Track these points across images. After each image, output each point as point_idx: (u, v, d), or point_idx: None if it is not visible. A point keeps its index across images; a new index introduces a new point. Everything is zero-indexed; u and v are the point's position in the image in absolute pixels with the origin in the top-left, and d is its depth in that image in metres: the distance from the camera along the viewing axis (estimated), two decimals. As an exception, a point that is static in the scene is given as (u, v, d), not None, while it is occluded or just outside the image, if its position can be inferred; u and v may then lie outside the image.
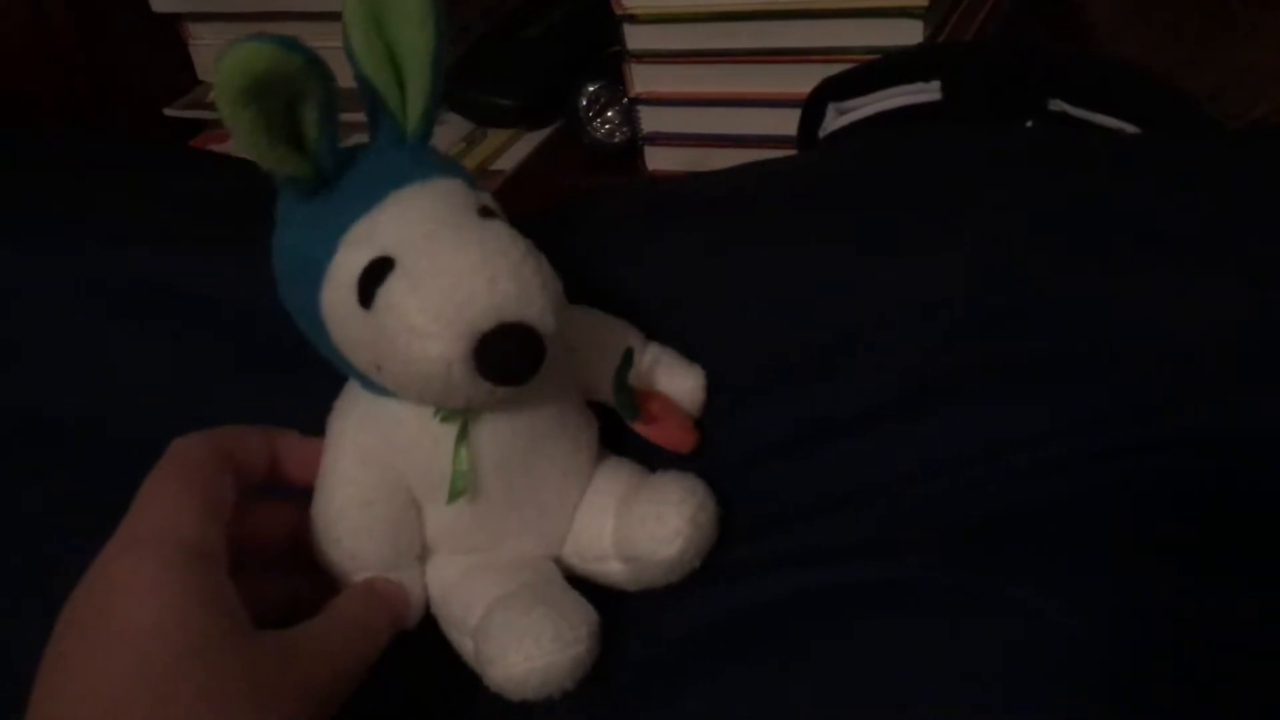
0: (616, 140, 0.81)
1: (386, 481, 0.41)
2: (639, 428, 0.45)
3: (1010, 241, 0.45)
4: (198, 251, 0.52)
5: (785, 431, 0.45)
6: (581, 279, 0.51)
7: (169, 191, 0.58)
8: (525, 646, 0.37)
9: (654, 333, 0.47)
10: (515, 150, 0.84)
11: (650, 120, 0.78)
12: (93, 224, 0.54)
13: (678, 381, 0.46)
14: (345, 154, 0.39)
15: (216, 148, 0.89)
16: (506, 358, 0.36)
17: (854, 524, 0.42)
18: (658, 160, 0.79)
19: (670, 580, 0.42)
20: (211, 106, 0.89)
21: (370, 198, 0.38)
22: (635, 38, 0.74)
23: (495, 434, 0.41)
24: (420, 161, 0.40)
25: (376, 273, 0.37)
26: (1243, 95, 0.69)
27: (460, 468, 0.40)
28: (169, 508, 0.35)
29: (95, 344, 0.50)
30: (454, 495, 0.40)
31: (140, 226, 0.54)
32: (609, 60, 0.77)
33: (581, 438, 0.43)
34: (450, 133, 0.86)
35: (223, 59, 0.34)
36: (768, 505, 0.43)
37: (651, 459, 0.45)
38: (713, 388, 0.46)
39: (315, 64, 0.35)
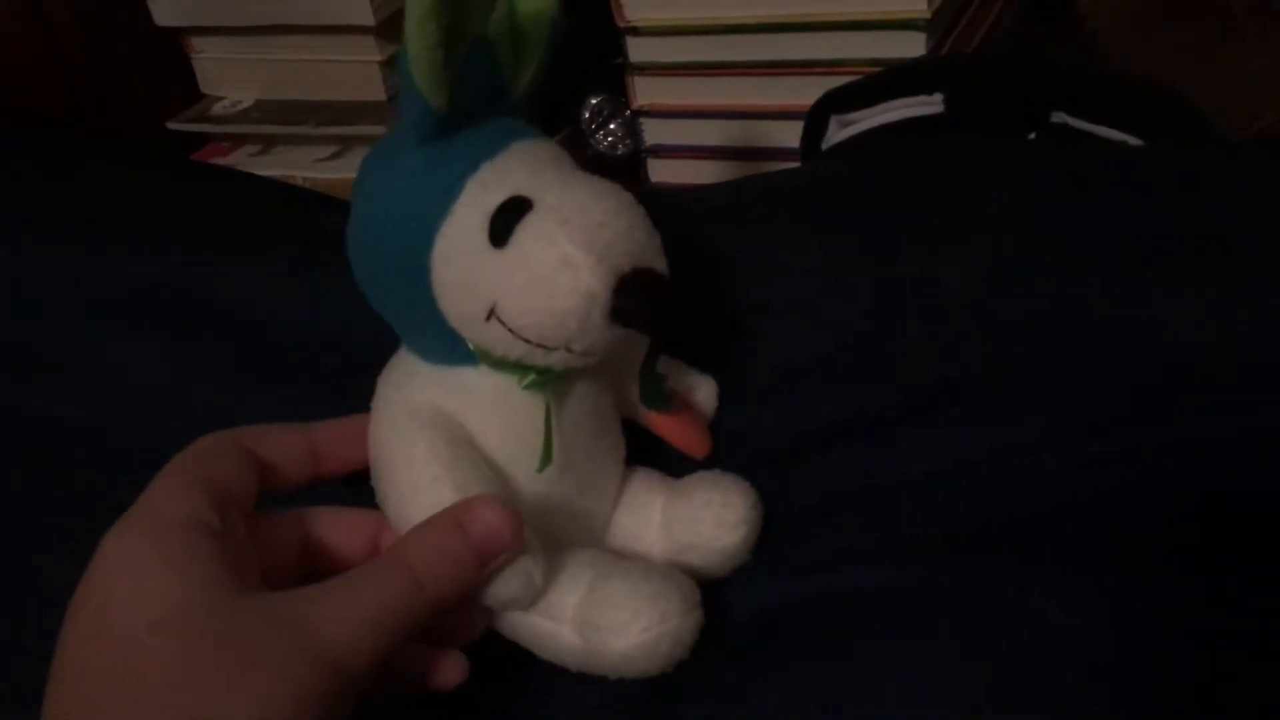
0: (619, 152, 0.81)
1: (464, 448, 0.39)
2: (660, 422, 0.45)
3: (1013, 249, 0.45)
4: (205, 260, 0.52)
5: (791, 437, 0.45)
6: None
7: (175, 200, 0.58)
8: (659, 608, 0.36)
9: (666, 339, 0.47)
10: (519, 162, 0.84)
11: (653, 132, 0.78)
12: (98, 231, 0.54)
13: (691, 386, 0.46)
14: (465, 109, 0.38)
15: (220, 161, 0.89)
16: (646, 301, 0.36)
17: (860, 528, 0.42)
18: (660, 172, 0.79)
19: (720, 573, 0.42)
20: (215, 120, 0.90)
21: (494, 145, 0.38)
22: (638, 50, 0.74)
23: (570, 411, 0.41)
24: (528, 126, 0.40)
25: (513, 210, 0.37)
26: (1247, 106, 0.69)
27: (550, 432, 0.39)
28: (169, 491, 0.35)
29: (101, 352, 0.51)
30: (545, 462, 0.39)
31: (146, 235, 0.54)
32: (612, 73, 0.77)
33: (620, 436, 0.44)
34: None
35: None
36: (774, 510, 0.43)
37: (670, 474, 0.45)
38: (726, 393, 0.47)
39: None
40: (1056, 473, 0.40)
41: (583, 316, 0.36)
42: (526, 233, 0.36)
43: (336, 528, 0.40)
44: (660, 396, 0.43)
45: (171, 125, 0.90)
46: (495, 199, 0.37)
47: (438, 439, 0.39)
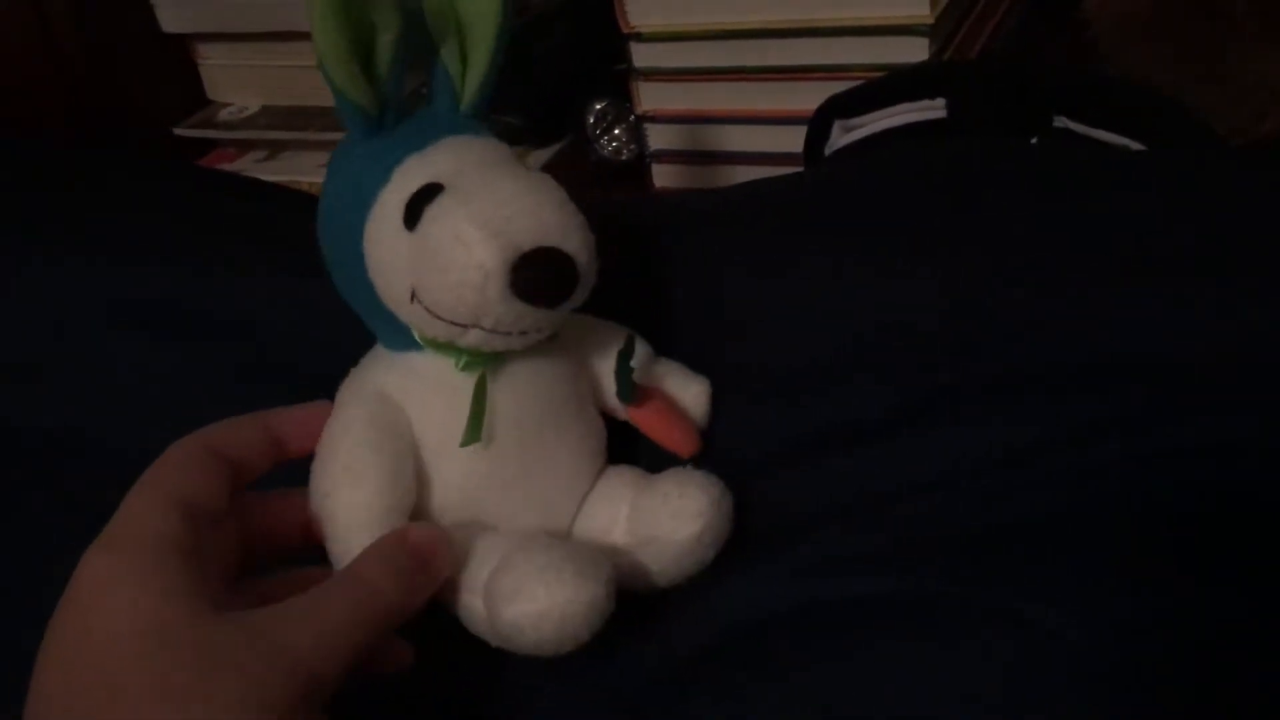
0: (624, 157, 0.81)
1: (394, 420, 0.41)
2: (639, 417, 0.45)
3: (1013, 253, 0.45)
4: (208, 268, 0.52)
5: (790, 443, 0.45)
6: (591, 297, 0.51)
7: (180, 207, 0.58)
8: (547, 578, 0.36)
9: (666, 343, 0.47)
10: (523, 167, 0.84)
11: (657, 137, 0.78)
12: (102, 240, 0.54)
13: (682, 387, 0.46)
14: (406, 109, 0.41)
15: (225, 166, 0.89)
16: (542, 277, 0.38)
17: (858, 536, 0.42)
18: (665, 177, 0.79)
19: (684, 569, 0.41)
20: (221, 126, 0.90)
21: (426, 137, 0.40)
22: (642, 56, 0.74)
23: (513, 393, 0.41)
24: (474, 124, 0.42)
25: (426, 195, 0.39)
26: (1249, 111, 0.69)
27: (479, 407, 0.40)
28: (141, 508, 0.36)
29: (104, 359, 0.51)
30: (469, 439, 0.40)
31: (150, 242, 0.54)
32: (616, 78, 0.78)
33: (591, 429, 0.44)
34: (458, 150, 0.86)
35: None
36: (773, 517, 0.44)
37: (658, 470, 0.44)
38: (719, 398, 0.47)
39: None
40: (1055, 478, 0.40)
41: (478, 290, 0.37)
42: (431, 214, 0.38)
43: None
44: (630, 388, 0.44)
45: (178, 131, 0.90)
46: (413, 185, 0.39)
47: (361, 417, 0.40)
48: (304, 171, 0.85)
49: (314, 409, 0.41)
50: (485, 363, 0.41)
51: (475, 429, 0.40)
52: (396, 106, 0.40)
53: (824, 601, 0.40)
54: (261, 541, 0.40)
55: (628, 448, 0.46)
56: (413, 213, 0.39)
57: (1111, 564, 0.37)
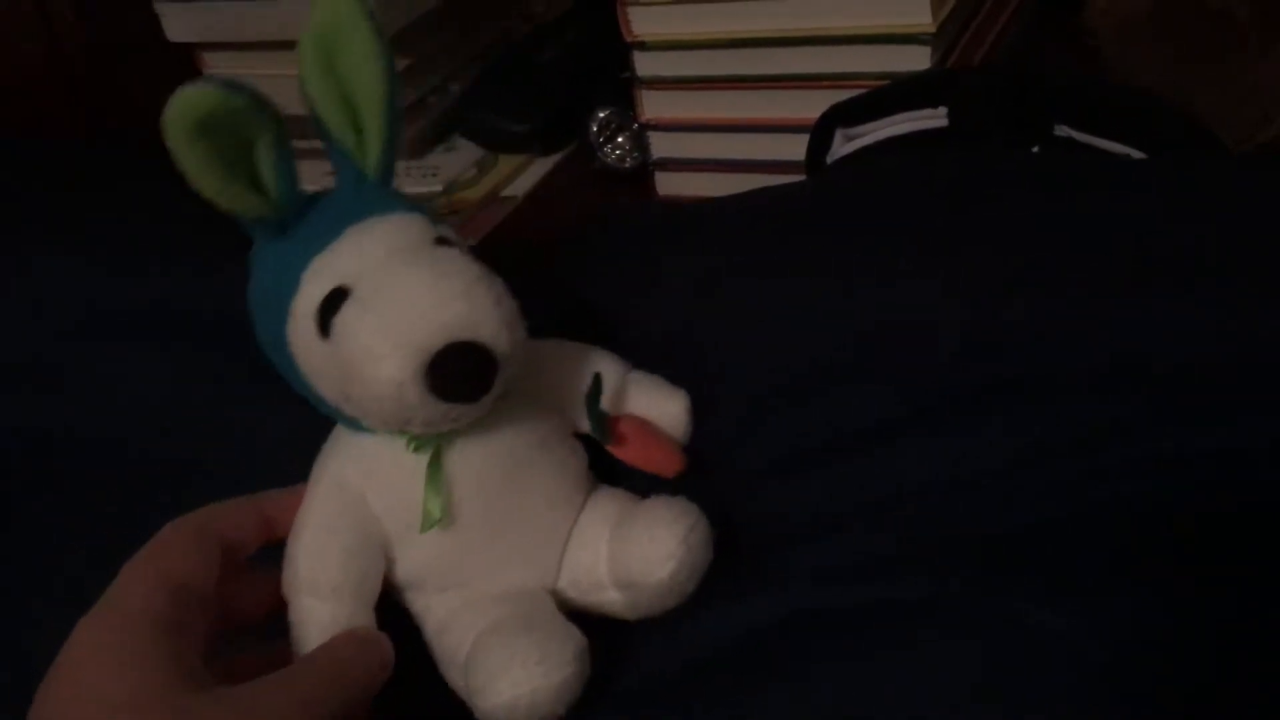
0: (627, 165, 0.81)
1: (353, 513, 0.41)
2: (617, 451, 0.45)
3: (1014, 261, 0.45)
4: (207, 270, 0.53)
5: (789, 447, 0.45)
6: (592, 302, 0.51)
7: (190, 214, 0.58)
8: (513, 673, 0.37)
9: (667, 352, 0.47)
10: (527, 176, 0.84)
11: (661, 145, 0.78)
12: (116, 246, 0.55)
13: (660, 406, 0.46)
14: (308, 197, 0.40)
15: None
16: (457, 375, 0.37)
17: (861, 539, 0.42)
18: (668, 185, 0.80)
19: (667, 605, 0.41)
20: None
21: (330, 233, 0.39)
22: (645, 64, 0.75)
23: (469, 463, 0.41)
24: (380, 200, 0.41)
25: (333, 302, 0.38)
26: (1251, 118, 0.69)
27: (433, 497, 0.40)
28: (135, 583, 0.37)
29: (105, 361, 0.51)
30: (427, 525, 0.40)
31: (163, 249, 0.54)
32: (620, 86, 0.78)
33: (566, 467, 0.44)
34: (462, 158, 0.86)
35: (169, 102, 0.35)
36: (772, 525, 0.44)
37: (646, 489, 0.45)
38: (719, 409, 0.47)
39: (261, 106, 0.37)
40: (1057, 481, 0.40)
41: (397, 401, 0.37)
42: (340, 325, 0.38)
43: None
44: (603, 433, 0.44)
45: (183, 139, 0.90)
46: (320, 292, 0.38)
47: (318, 522, 0.41)
48: (309, 180, 0.84)
49: (300, 491, 0.42)
50: (435, 442, 0.40)
51: (432, 514, 0.40)
52: (293, 206, 0.40)
53: (826, 606, 0.40)
54: (233, 612, 0.41)
55: (616, 464, 0.46)
56: (324, 323, 0.38)
57: (1113, 567, 0.37)
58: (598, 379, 0.44)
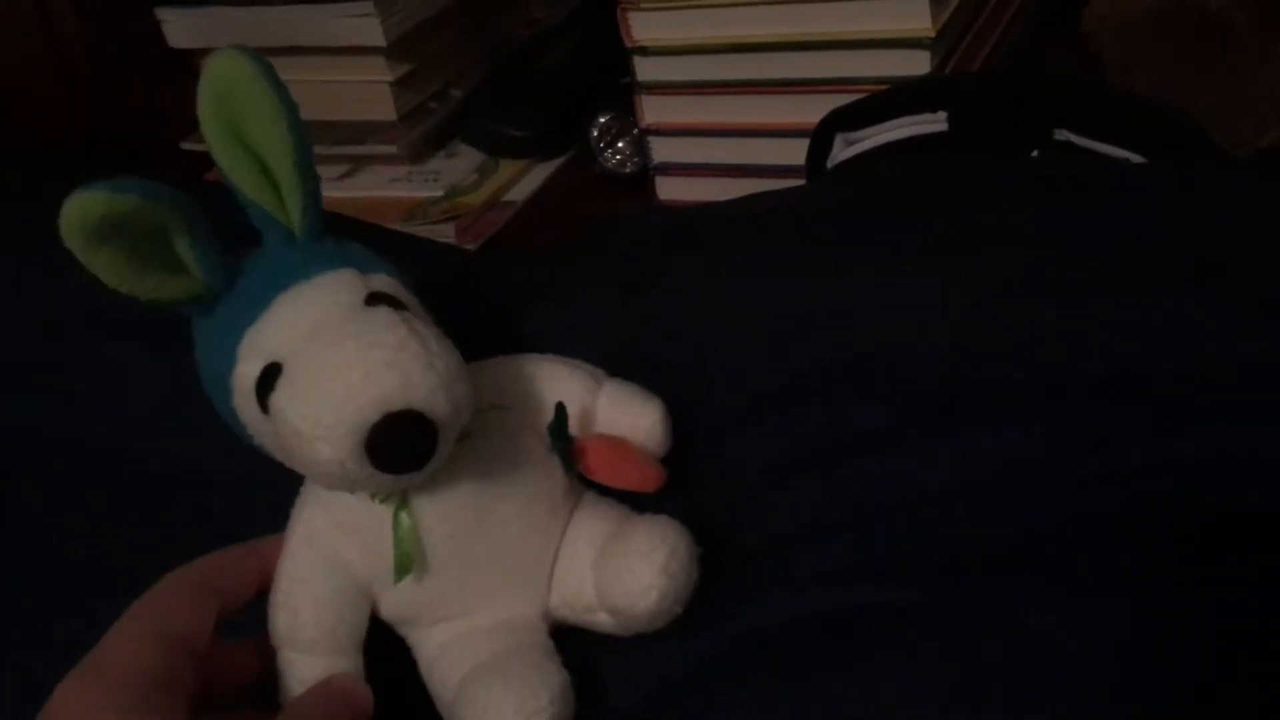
0: (628, 170, 0.81)
1: (326, 563, 0.41)
2: (590, 476, 0.44)
3: (1013, 266, 0.45)
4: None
5: (793, 457, 0.45)
6: (592, 304, 0.51)
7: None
8: (491, 717, 0.37)
9: (666, 360, 0.47)
10: (528, 181, 0.85)
11: (661, 150, 0.78)
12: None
13: (633, 420, 0.45)
14: (238, 264, 0.40)
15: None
16: (396, 448, 0.36)
17: (858, 545, 0.42)
18: (669, 190, 0.80)
19: (658, 626, 0.41)
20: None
21: (258, 304, 0.39)
22: (646, 69, 0.75)
23: (438, 506, 0.41)
24: (308, 260, 0.40)
25: (268, 380, 0.38)
26: (1250, 123, 0.69)
27: (402, 547, 0.40)
28: (128, 640, 0.36)
29: (106, 366, 0.51)
30: (400, 574, 0.40)
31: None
32: (620, 92, 0.78)
33: (543, 489, 0.43)
34: (462, 164, 0.87)
35: (62, 209, 0.35)
36: (771, 526, 0.44)
37: (635, 496, 0.44)
38: (719, 409, 0.47)
39: (160, 200, 0.36)
40: (1057, 487, 0.40)
41: (339, 478, 0.37)
42: (274, 405, 0.37)
43: None
44: (568, 463, 0.43)
45: (185, 146, 0.91)
46: (255, 369, 0.38)
47: (292, 574, 0.41)
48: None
49: None
50: (396, 492, 0.40)
51: (403, 568, 0.40)
52: (221, 282, 0.39)
53: (827, 610, 0.40)
54: (217, 680, 0.40)
55: None
56: (262, 401, 0.38)
57: (1113, 572, 0.37)
58: (560, 410, 0.43)
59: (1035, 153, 0.58)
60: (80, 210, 0.35)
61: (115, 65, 0.88)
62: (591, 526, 0.43)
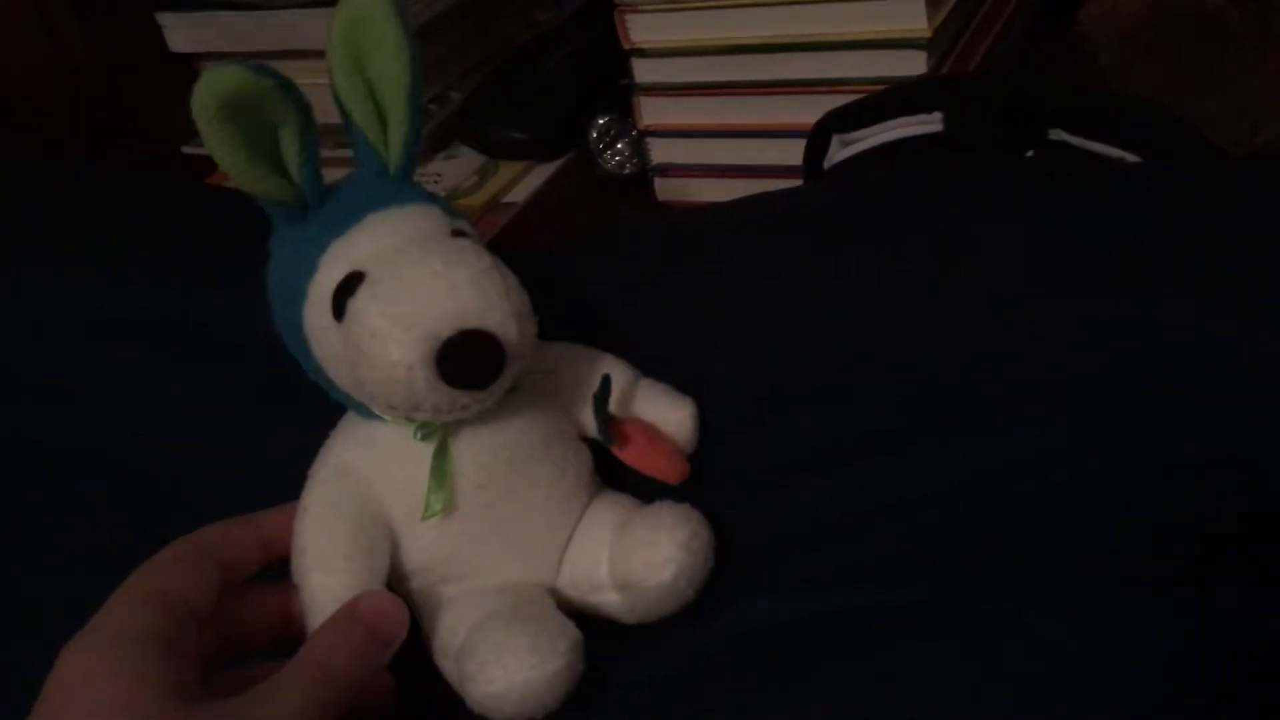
0: (627, 172, 0.82)
1: (358, 493, 0.41)
2: (621, 454, 0.45)
3: (1011, 268, 0.45)
4: (211, 286, 0.53)
5: (794, 457, 0.45)
6: (592, 305, 0.51)
7: (185, 225, 0.58)
8: (504, 661, 0.37)
9: (668, 357, 0.48)
10: (527, 182, 0.85)
11: (659, 152, 0.78)
12: (106, 257, 0.55)
13: (666, 413, 0.46)
14: (330, 186, 0.41)
15: (233, 184, 0.90)
16: (466, 362, 0.37)
17: (864, 546, 0.42)
18: (667, 191, 0.80)
19: (665, 610, 0.42)
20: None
21: (348, 220, 0.40)
22: (644, 71, 0.75)
23: (475, 455, 0.41)
24: (401, 190, 0.41)
25: (348, 286, 0.39)
26: (1246, 124, 0.69)
27: (436, 487, 0.40)
28: (123, 604, 0.37)
29: (108, 376, 0.51)
30: (429, 513, 0.41)
31: (154, 260, 0.54)
32: (618, 93, 0.78)
33: (571, 467, 0.44)
34: (462, 166, 0.87)
35: (198, 82, 0.36)
36: (771, 527, 0.44)
37: (651, 494, 0.45)
38: (727, 411, 0.47)
39: (287, 90, 0.37)
40: (1056, 492, 0.40)
41: (405, 385, 0.38)
42: (352, 308, 0.38)
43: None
44: (608, 435, 0.44)
45: (186, 149, 0.91)
46: (337, 275, 0.39)
47: (322, 497, 0.41)
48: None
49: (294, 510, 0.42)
50: (440, 430, 0.41)
51: (435, 502, 0.41)
52: (315, 192, 0.40)
53: (830, 612, 0.40)
54: (237, 633, 0.41)
55: (621, 465, 0.46)
56: (338, 306, 0.39)
57: (1115, 573, 0.37)
58: (606, 380, 0.44)
59: (1031, 153, 0.58)
60: (219, 81, 0.36)
61: (117, 70, 0.89)
62: (610, 511, 0.44)
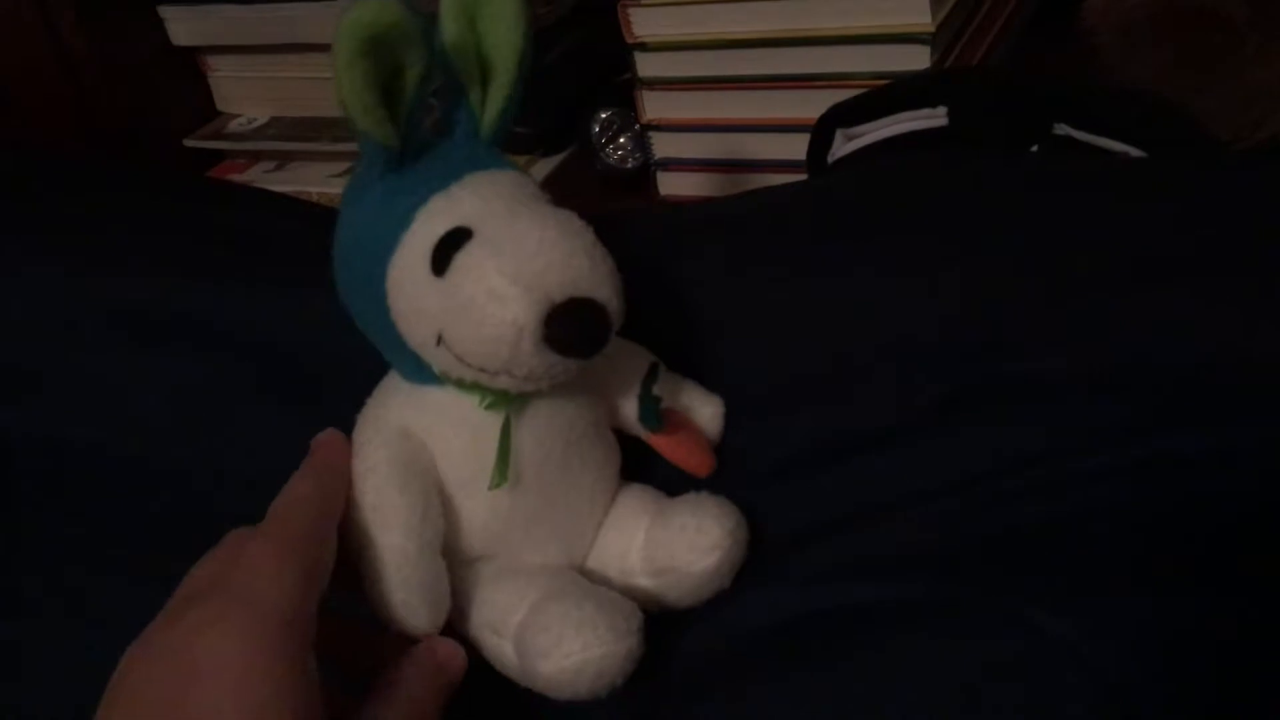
0: (629, 166, 0.82)
1: (423, 456, 0.41)
2: (659, 442, 0.45)
3: (1013, 262, 0.45)
4: (208, 279, 0.53)
5: (794, 451, 0.46)
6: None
7: (183, 219, 0.58)
8: (583, 635, 0.37)
9: (676, 352, 0.48)
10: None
11: (662, 146, 0.78)
12: (102, 250, 0.55)
13: (696, 408, 0.46)
14: (425, 142, 0.40)
15: (235, 177, 0.90)
16: (576, 330, 0.37)
17: (867, 542, 0.42)
18: (670, 185, 0.80)
19: (700, 597, 0.42)
20: (230, 137, 0.91)
21: (448, 176, 0.39)
22: (646, 65, 0.75)
23: (535, 429, 0.41)
24: (494, 155, 0.41)
25: (454, 240, 0.38)
26: (1249, 118, 0.69)
27: (504, 456, 0.40)
28: (266, 578, 0.34)
29: (112, 372, 0.51)
30: (497, 481, 0.40)
31: (151, 254, 0.54)
32: (621, 88, 0.78)
33: (611, 453, 0.44)
34: (465, 160, 0.87)
35: (347, 13, 0.35)
36: (783, 523, 0.44)
37: (671, 488, 0.45)
38: (731, 407, 0.47)
39: (428, 32, 0.37)
40: (1060, 486, 0.40)
41: (512, 345, 0.37)
42: (461, 263, 0.38)
43: None
44: (656, 418, 0.44)
45: (188, 143, 0.91)
46: (439, 229, 0.38)
47: (386, 457, 0.40)
48: (313, 182, 0.86)
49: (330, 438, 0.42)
50: (509, 402, 0.40)
51: (502, 472, 0.40)
52: (415, 142, 0.40)
53: (832, 608, 0.40)
54: None
55: (642, 462, 0.46)
56: (440, 259, 0.38)
57: (1116, 569, 0.37)
58: (655, 366, 0.44)
59: (1035, 147, 0.58)
60: (369, 13, 0.35)
61: (118, 63, 0.89)
62: (642, 498, 0.44)
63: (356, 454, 0.41)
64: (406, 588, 0.39)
